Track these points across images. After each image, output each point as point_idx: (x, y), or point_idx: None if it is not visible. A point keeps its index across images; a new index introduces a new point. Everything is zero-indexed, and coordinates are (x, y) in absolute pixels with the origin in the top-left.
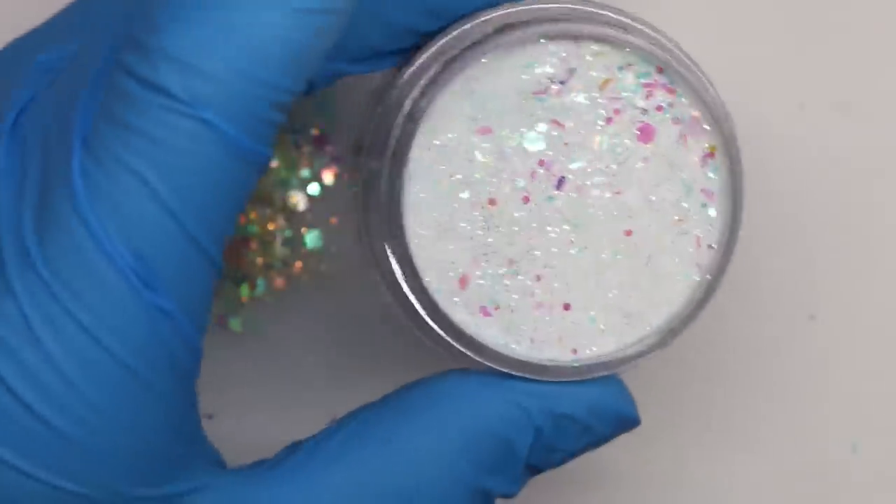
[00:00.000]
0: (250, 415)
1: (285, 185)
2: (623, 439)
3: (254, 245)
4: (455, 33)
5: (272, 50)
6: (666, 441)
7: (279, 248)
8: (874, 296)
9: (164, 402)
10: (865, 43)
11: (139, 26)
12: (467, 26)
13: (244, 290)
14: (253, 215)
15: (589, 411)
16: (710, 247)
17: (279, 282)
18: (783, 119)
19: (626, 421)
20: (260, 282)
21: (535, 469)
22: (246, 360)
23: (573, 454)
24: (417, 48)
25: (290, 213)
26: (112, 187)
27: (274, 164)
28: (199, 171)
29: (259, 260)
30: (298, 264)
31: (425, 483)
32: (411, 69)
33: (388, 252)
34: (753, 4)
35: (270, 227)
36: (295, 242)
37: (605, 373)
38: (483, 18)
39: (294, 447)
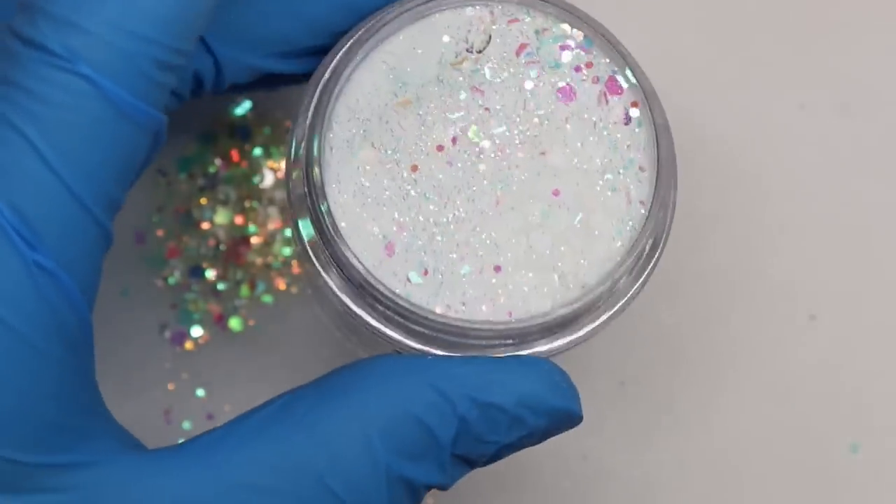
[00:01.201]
0: None
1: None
2: (622, 438)
3: (254, 245)
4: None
5: (151, 6)
6: (666, 441)
7: (279, 248)
8: (874, 296)
9: (53, 367)
10: (865, 43)
11: None
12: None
13: (244, 290)
14: (253, 215)
15: (518, 402)
16: (640, 202)
17: (279, 282)
18: (783, 119)
19: (562, 414)
20: (260, 282)
21: (467, 461)
22: (246, 360)
23: (509, 447)
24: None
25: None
26: None
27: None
28: (81, 127)
29: (259, 260)
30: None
31: (339, 463)
32: (332, 52)
33: (314, 228)
34: (754, 5)
35: (270, 227)
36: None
37: (543, 338)
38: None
39: (213, 429)
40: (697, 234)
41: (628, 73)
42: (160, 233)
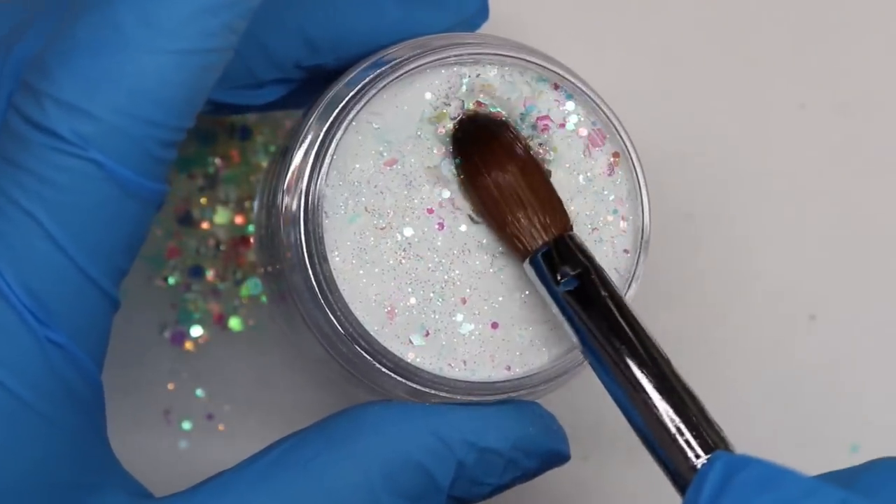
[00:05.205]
0: (250, 415)
1: None
2: (622, 438)
3: (254, 245)
4: (353, 74)
5: (155, 91)
6: None
7: None
8: (874, 296)
9: (66, 434)
10: (865, 43)
11: (32, 71)
12: (364, 66)
13: (244, 290)
14: (253, 215)
15: (514, 446)
16: (624, 251)
17: None
18: (783, 119)
19: (553, 456)
20: (260, 282)
21: (460, 501)
22: (246, 360)
23: (501, 488)
24: (305, 86)
25: None
26: (4, 225)
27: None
28: (91, 208)
29: None
30: None
31: None
32: (316, 111)
33: (318, 294)
34: (753, 5)
35: None
36: None
37: (542, 387)
38: (380, 56)
39: (218, 474)
40: (697, 234)
41: (609, 124)
42: (160, 232)
